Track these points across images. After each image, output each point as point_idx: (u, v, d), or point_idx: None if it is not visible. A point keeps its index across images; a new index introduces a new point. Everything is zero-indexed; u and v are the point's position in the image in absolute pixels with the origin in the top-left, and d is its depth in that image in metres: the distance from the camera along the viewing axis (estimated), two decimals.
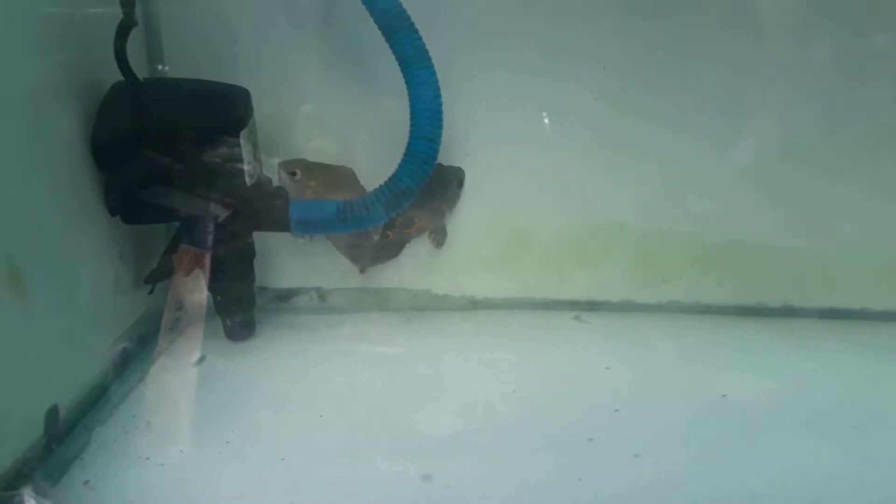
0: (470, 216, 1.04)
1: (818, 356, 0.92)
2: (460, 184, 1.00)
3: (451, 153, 0.97)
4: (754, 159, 1.00)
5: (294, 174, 0.92)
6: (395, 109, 0.89)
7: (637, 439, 0.73)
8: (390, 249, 1.03)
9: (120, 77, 0.78)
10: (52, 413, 0.68)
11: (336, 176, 0.96)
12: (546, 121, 0.99)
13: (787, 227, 1.02)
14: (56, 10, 0.72)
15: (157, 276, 0.87)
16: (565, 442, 0.74)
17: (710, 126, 0.98)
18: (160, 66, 0.75)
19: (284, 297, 1.05)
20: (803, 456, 0.72)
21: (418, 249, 1.05)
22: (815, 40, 0.94)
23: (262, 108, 0.89)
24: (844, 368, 0.90)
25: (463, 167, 1.00)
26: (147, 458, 0.69)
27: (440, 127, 0.88)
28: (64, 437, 0.70)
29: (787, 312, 1.05)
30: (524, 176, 1.01)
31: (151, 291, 0.88)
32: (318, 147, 0.98)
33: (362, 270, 1.03)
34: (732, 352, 0.94)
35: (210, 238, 0.85)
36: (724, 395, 0.81)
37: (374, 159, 0.95)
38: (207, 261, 0.86)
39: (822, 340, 0.98)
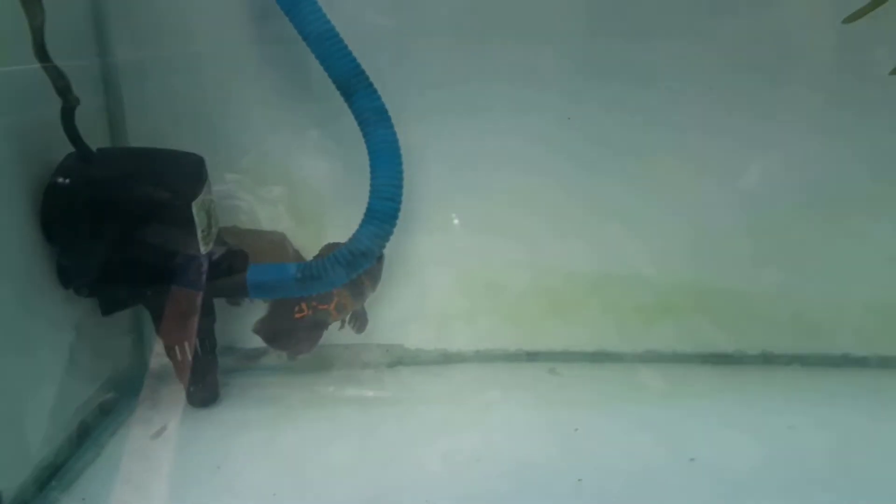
0: (441, 268, 1.02)
1: (796, 409, 0.89)
2: (380, 258, 0.94)
3: (416, 206, 0.95)
4: (733, 205, 0.98)
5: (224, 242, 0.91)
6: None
7: None
8: (308, 332, 0.96)
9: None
10: None
11: (265, 241, 0.94)
12: (516, 173, 0.98)
13: (765, 271, 1.00)
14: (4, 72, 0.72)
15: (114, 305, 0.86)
16: None
17: (688, 171, 0.96)
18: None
19: (252, 357, 1.03)
20: None
21: (391, 304, 1.03)
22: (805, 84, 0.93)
23: (225, 171, 0.89)
24: (824, 423, 0.86)
25: (429, 218, 0.98)
26: None
27: (400, 186, 0.87)
28: None
29: (767, 360, 1.02)
30: (495, 228, 1.00)
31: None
32: (284, 209, 0.98)
33: (291, 358, 0.98)
34: (706, 407, 0.91)
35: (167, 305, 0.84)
36: (692, 459, 0.79)
37: (344, 218, 0.93)
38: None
39: (801, 391, 0.95)
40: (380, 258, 0.94)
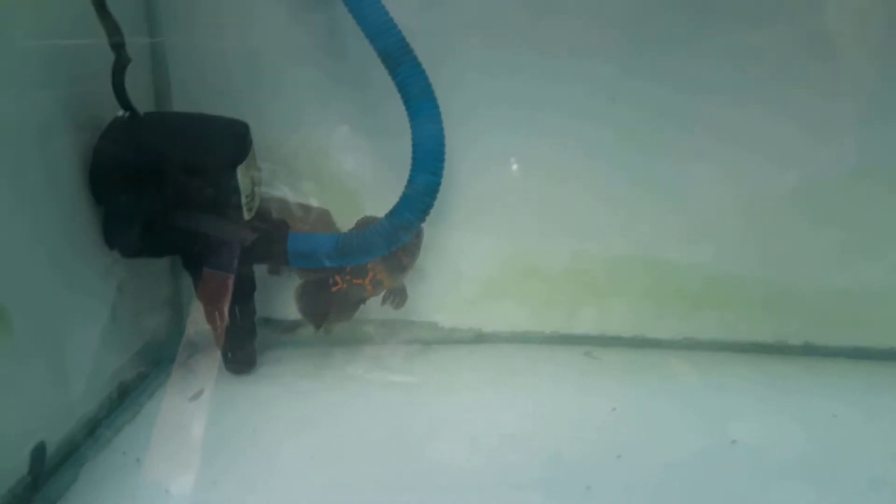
0: (477, 248, 1.01)
1: (840, 399, 0.87)
2: (419, 233, 0.93)
3: (456, 184, 0.94)
4: (776, 192, 0.96)
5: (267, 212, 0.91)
6: (401, 140, 0.87)
7: (637, 489, 0.70)
8: (342, 305, 0.96)
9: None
10: (39, 450, 0.68)
11: (310, 215, 0.94)
12: (555, 152, 0.97)
13: (810, 261, 0.98)
14: (54, 42, 0.72)
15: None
16: (562, 489, 0.71)
17: (729, 158, 0.94)
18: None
19: (289, 329, 1.03)
20: None
21: (426, 281, 1.02)
22: (838, 70, 0.90)
23: (267, 140, 0.90)
24: (867, 413, 0.85)
25: (468, 199, 0.98)
26: (133, 499, 0.68)
27: (442, 160, 0.86)
28: (51, 474, 0.70)
29: (809, 351, 1.00)
30: (533, 207, 0.99)
31: None
32: (325, 179, 0.98)
33: (317, 327, 0.97)
34: (747, 393, 0.89)
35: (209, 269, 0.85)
36: (734, 441, 0.77)
37: (379, 191, 0.93)
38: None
39: (845, 382, 0.93)
40: (418, 234, 0.94)
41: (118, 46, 0.68)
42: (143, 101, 0.89)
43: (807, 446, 0.77)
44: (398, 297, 1.00)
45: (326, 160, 0.98)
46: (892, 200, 0.95)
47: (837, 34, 0.88)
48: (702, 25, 0.89)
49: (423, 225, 0.90)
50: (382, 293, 0.98)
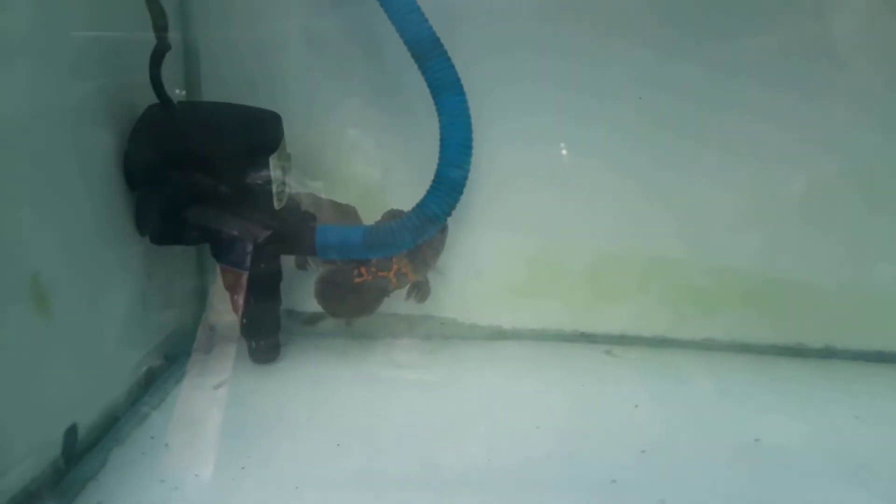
0: (499, 244, 1.02)
1: (860, 401, 0.87)
2: (444, 229, 0.94)
3: (478, 179, 0.94)
4: (799, 195, 0.96)
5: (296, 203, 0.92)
6: (428, 134, 0.88)
7: (662, 483, 0.70)
8: (364, 297, 0.95)
9: (155, 100, 0.79)
10: (71, 432, 0.68)
11: (337, 211, 0.95)
12: (579, 146, 0.97)
13: (832, 264, 0.98)
14: (94, 34, 0.74)
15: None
16: (587, 483, 0.71)
17: (754, 159, 0.94)
18: (177, 91, 0.76)
19: (311, 321, 1.04)
20: None
21: (447, 276, 1.03)
22: (871, 71, 0.91)
23: (295, 132, 0.90)
24: (889, 415, 0.85)
25: (491, 193, 0.98)
26: (162, 481, 0.69)
27: (469, 154, 0.87)
28: (81, 456, 0.70)
29: (829, 354, 1.00)
30: (556, 204, 0.99)
31: None
32: (350, 172, 0.99)
33: (348, 322, 0.99)
34: (769, 393, 0.89)
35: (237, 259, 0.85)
36: (757, 440, 0.77)
37: (406, 184, 0.93)
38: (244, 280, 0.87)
39: (866, 385, 0.93)
40: (443, 229, 0.94)
41: (161, 32, 0.69)
42: (174, 93, 0.90)
43: (831, 445, 0.77)
44: (421, 291, 1.00)
45: (351, 154, 0.99)
46: None
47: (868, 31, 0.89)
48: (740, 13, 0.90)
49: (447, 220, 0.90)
50: (406, 287, 0.98)
